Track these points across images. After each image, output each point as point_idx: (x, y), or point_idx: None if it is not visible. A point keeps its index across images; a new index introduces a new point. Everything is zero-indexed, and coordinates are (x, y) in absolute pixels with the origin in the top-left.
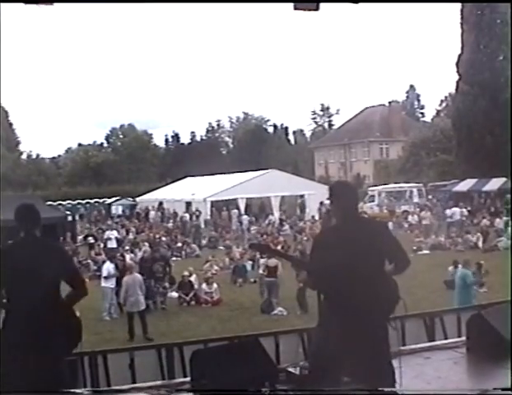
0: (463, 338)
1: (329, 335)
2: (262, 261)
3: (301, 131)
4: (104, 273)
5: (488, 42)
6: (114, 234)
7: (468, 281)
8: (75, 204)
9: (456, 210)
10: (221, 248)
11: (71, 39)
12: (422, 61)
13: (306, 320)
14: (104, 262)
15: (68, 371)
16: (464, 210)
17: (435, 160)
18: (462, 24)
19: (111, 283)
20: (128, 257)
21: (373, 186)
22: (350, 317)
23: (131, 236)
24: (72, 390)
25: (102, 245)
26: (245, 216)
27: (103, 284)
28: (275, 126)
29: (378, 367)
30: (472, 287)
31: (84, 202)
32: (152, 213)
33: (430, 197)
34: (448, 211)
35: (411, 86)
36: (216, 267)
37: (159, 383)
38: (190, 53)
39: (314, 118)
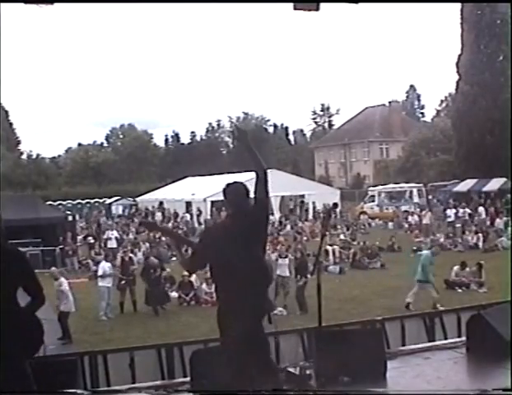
0: (463, 338)
1: (219, 313)
2: (280, 261)
3: (301, 131)
4: (100, 272)
5: (488, 42)
6: (114, 234)
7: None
8: (75, 204)
9: (466, 209)
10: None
11: (71, 39)
12: (422, 61)
13: (306, 320)
14: (99, 262)
15: (32, 375)
16: (467, 210)
17: (435, 160)
18: (462, 24)
19: (107, 282)
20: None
21: (373, 186)
22: (230, 294)
23: (131, 236)
24: (72, 390)
25: (102, 245)
26: None
27: (99, 283)
28: (275, 126)
29: (253, 335)
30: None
31: (84, 201)
32: (159, 214)
33: (430, 197)
34: (448, 211)
35: (412, 86)
36: None
37: (159, 383)
38: (190, 52)
39: (314, 118)
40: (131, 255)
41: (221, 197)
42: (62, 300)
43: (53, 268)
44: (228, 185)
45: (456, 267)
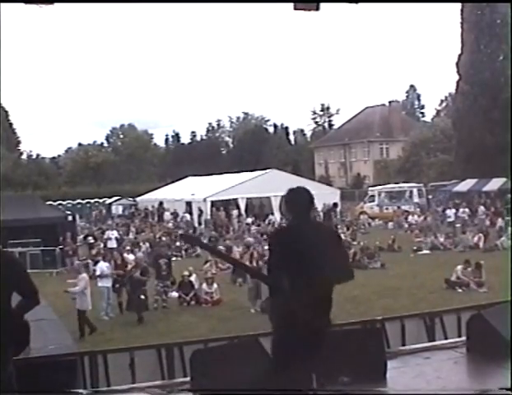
0: (463, 338)
1: (288, 333)
2: None
3: (301, 131)
4: (98, 272)
5: (488, 42)
6: (114, 234)
7: None
8: (75, 204)
9: (465, 209)
10: (221, 247)
11: (71, 39)
12: (422, 61)
13: None
14: (97, 261)
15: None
16: (466, 209)
17: (435, 160)
18: (462, 24)
19: (106, 282)
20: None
21: (373, 186)
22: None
23: (131, 236)
24: (72, 390)
25: (102, 245)
26: (245, 216)
27: (98, 284)
28: (275, 126)
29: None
30: None
31: (84, 201)
32: (167, 214)
33: (430, 197)
34: (448, 211)
35: (412, 86)
36: (216, 267)
37: (159, 383)
38: (190, 53)
39: (314, 118)
40: (126, 256)
41: (221, 197)
42: (82, 298)
43: (77, 262)
44: (289, 192)
45: (460, 267)
